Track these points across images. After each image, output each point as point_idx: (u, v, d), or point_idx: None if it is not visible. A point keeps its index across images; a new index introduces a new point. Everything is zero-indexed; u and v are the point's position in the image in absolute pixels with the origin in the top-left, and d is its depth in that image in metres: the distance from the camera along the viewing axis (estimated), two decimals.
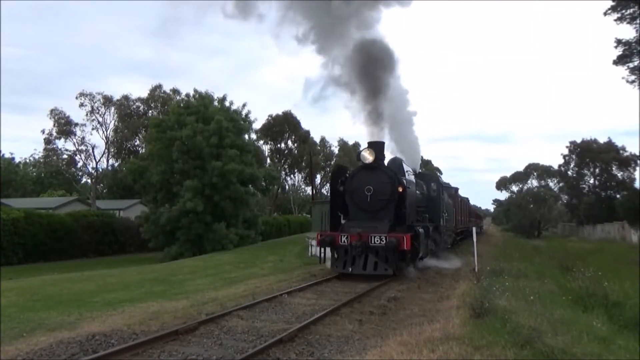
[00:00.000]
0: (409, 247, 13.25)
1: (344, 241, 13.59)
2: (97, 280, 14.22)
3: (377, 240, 13.29)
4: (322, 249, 14.52)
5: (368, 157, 14.38)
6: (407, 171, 14.90)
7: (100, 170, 56.00)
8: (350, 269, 13.38)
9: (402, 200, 13.94)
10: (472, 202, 41.04)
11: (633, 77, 28.05)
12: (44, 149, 55.70)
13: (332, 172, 16.30)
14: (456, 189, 26.19)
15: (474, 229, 17.01)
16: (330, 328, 7.98)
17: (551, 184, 64.51)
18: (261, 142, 55.48)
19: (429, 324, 7.78)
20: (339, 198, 14.88)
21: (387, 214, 14.03)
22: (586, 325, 7.38)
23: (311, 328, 7.91)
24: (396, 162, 15.12)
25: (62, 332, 7.31)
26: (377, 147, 14.69)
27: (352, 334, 7.62)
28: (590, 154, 52.09)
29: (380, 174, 14.29)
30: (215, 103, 33.56)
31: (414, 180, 15.62)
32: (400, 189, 13.95)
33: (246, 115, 34.39)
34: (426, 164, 69.83)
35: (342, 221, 14.75)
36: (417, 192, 16.43)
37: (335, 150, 69.18)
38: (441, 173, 69.62)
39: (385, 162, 15.19)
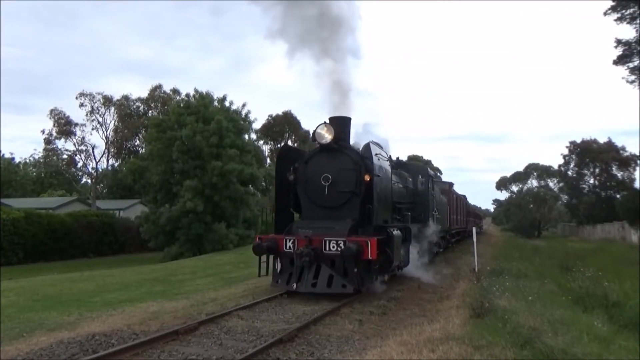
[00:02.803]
0: (375, 256, 10.01)
1: (290, 247, 10.54)
2: (97, 280, 14.23)
3: (333, 246, 10.21)
4: (260, 258, 11.19)
5: (325, 135, 10.99)
6: (376, 154, 11.31)
7: (100, 170, 56.08)
8: (294, 286, 10.23)
9: (369, 193, 10.82)
10: (471, 201, 40.88)
11: (633, 77, 28.08)
12: (44, 149, 55.83)
13: (278, 155, 12.51)
14: (450, 184, 24.72)
15: (474, 229, 16.69)
16: (330, 328, 7.99)
17: (551, 184, 64.53)
18: (261, 142, 55.53)
19: (429, 324, 7.78)
20: (291, 190, 11.74)
21: (350, 211, 10.99)
22: (586, 325, 7.39)
23: (311, 328, 7.91)
24: (368, 146, 11.69)
25: (62, 332, 7.32)
26: (339, 123, 11.30)
27: (352, 334, 7.63)
28: (590, 154, 52.09)
29: (342, 159, 11.11)
30: (215, 103, 33.61)
31: (387, 168, 12.30)
32: (367, 178, 10.84)
33: (246, 115, 34.45)
34: (426, 164, 69.76)
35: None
36: (400, 185, 13.97)
37: None
38: (441, 173, 69.57)
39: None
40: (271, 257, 11.27)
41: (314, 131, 11.20)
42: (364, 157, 11.09)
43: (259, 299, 10.15)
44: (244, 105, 34.79)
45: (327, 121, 11.22)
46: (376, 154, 11.26)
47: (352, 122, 11.87)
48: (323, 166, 11.19)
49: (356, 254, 9.88)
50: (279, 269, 10.86)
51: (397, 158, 15.71)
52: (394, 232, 11.11)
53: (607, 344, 6.58)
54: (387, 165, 12.29)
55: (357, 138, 12.41)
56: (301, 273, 10.36)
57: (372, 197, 10.68)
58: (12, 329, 7.63)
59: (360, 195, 10.96)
